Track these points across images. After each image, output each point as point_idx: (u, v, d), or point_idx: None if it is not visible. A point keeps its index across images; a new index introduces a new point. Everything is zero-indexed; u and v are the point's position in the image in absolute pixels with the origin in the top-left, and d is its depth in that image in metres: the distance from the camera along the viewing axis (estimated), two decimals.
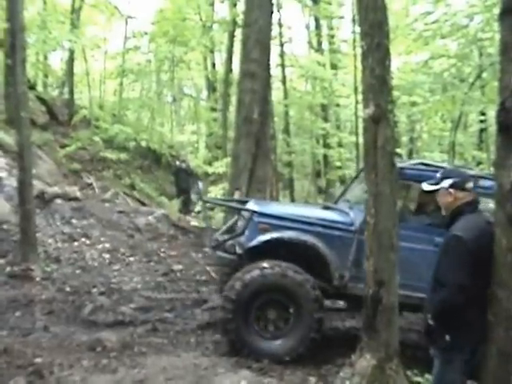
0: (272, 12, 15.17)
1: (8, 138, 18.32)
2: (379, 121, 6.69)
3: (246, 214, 9.29)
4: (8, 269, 12.51)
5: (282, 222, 8.75)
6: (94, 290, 12.03)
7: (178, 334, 9.79)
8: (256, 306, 8.19)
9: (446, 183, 5.33)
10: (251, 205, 9.64)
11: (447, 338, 4.97)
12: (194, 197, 23.11)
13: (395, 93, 6.66)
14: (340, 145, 31.53)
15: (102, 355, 8.03)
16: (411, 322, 10.15)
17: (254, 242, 8.58)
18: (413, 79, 25.28)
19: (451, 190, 5.29)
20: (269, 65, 15.15)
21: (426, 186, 5.60)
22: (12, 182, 15.10)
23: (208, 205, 17.87)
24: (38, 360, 7.53)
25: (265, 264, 8.25)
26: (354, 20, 25.64)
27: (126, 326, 10.03)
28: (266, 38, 14.72)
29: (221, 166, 21.25)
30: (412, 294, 7.99)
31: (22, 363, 7.37)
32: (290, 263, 8.33)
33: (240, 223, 9.69)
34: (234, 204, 10.57)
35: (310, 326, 8.16)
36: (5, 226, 14.20)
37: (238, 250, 8.85)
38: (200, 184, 22.53)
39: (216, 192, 18.59)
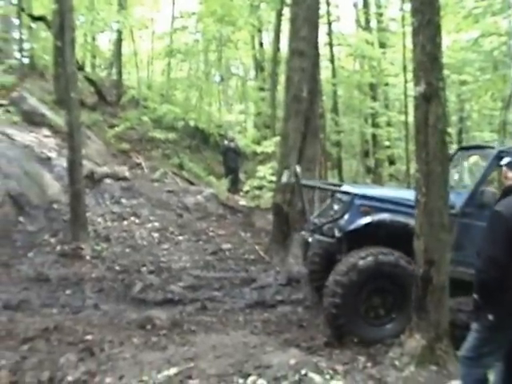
0: None
1: (58, 118, 18.49)
2: (430, 99, 6.60)
3: (344, 197, 9.16)
4: (59, 247, 12.67)
5: (384, 204, 8.68)
6: (144, 268, 12.15)
7: (227, 312, 9.86)
8: (366, 293, 8.14)
9: (505, 161, 5.27)
10: (349, 188, 9.51)
11: (490, 317, 4.92)
12: (242, 176, 23.15)
13: (445, 71, 6.61)
14: (389, 124, 31.25)
15: (151, 333, 8.11)
16: (460, 303, 10.05)
17: (356, 225, 8.49)
18: (463, 57, 24.99)
19: (505, 169, 5.24)
20: (317, 43, 15.04)
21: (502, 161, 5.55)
22: (62, 162, 15.26)
23: (256, 184, 17.90)
24: (89, 337, 7.63)
25: (378, 250, 8.21)
26: None
27: (176, 304, 10.13)
28: (315, 16, 14.60)
29: (269, 145, 21.14)
30: None
31: (72, 340, 7.47)
32: (388, 247, 8.28)
33: (337, 207, 9.60)
34: (331, 187, 10.42)
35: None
36: (55, 206, 14.36)
37: (337, 234, 8.73)
38: None
39: (265, 171, 18.50)
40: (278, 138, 17.61)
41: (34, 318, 8.87)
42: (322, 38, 25.21)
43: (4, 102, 18.81)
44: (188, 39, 29.30)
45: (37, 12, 25.05)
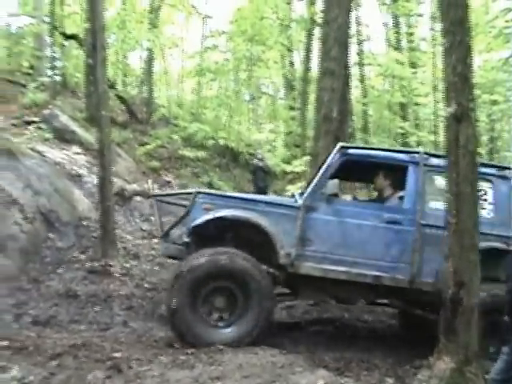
0: (351, 10, 15.08)
1: (89, 135, 18.61)
2: (461, 119, 6.60)
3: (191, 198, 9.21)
4: (88, 264, 12.70)
5: (226, 201, 8.79)
6: None
7: None
8: (203, 294, 8.19)
9: None
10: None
11: None
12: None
13: (476, 91, 6.68)
14: (419, 144, 31.07)
15: (179, 351, 8.06)
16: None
17: (198, 222, 8.49)
18: (494, 77, 24.95)
19: None
20: (348, 63, 15.09)
21: None
22: (92, 180, 15.37)
23: None
24: (117, 354, 7.61)
25: (213, 250, 8.25)
26: (432, 17, 25.34)
27: None
28: (345, 36, 14.63)
29: (299, 165, 21.14)
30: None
31: (100, 357, 7.46)
32: (237, 248, 8.38)
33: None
34: (179, 192, 10.70)
35: (258, 314, 8.19)
36: (85, 223, 14.42)
37: (185, 238, 8.77)
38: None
39: (294, 191, 18.50)
40: (307, 158, 17.60)
41: (63, 334, 8.90)
42: (353, 58, 25.28)
43: (36, 119, 18.99)
44: (218, 58, 29.45)
45: (69, 30, 25.32)
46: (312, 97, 23.19)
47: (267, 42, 27.84)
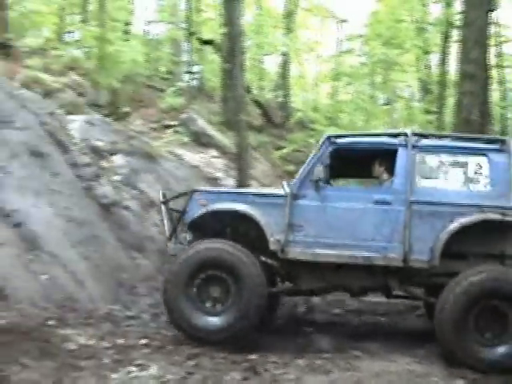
0: (490, 11, 14.76)
1: (225, 139, 18.87)
2: None
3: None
4: None
5: (219, 196, 9.27)
6: None
7: (391, 338, 9.66)
8: (197, 283, 8.37)
9: None
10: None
11: None
12: None
13: None
14: None
15: (315, 356, 8.04)
16: None
17: (193, 216, 8.89)
18: None
19: None
20: (487, 65, 14.77)
21: None
22: (228, 182, 15.54)
23: None
24: (253, 357, 7.67)
25: (204, 241, 8.61)
26: None
27: (339, 327, 10.05)
28: (485, 38, 14.34)
29: None
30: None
31: (237, 359, 7.53)
32: (235, 241, 8.61)
33: None
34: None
35: (248, 301, 8.21)
36: None
37: (188, 238, 9.23)
38: None
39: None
40: None
41: None
42: (492, 60, 24.74)
43: (173, 122, 19.43)
44: (354, 62, 29.35)
45: (205, 36, 25.77)
46: (449, 100, 22.80)
47: (403, 45, 27.55)
